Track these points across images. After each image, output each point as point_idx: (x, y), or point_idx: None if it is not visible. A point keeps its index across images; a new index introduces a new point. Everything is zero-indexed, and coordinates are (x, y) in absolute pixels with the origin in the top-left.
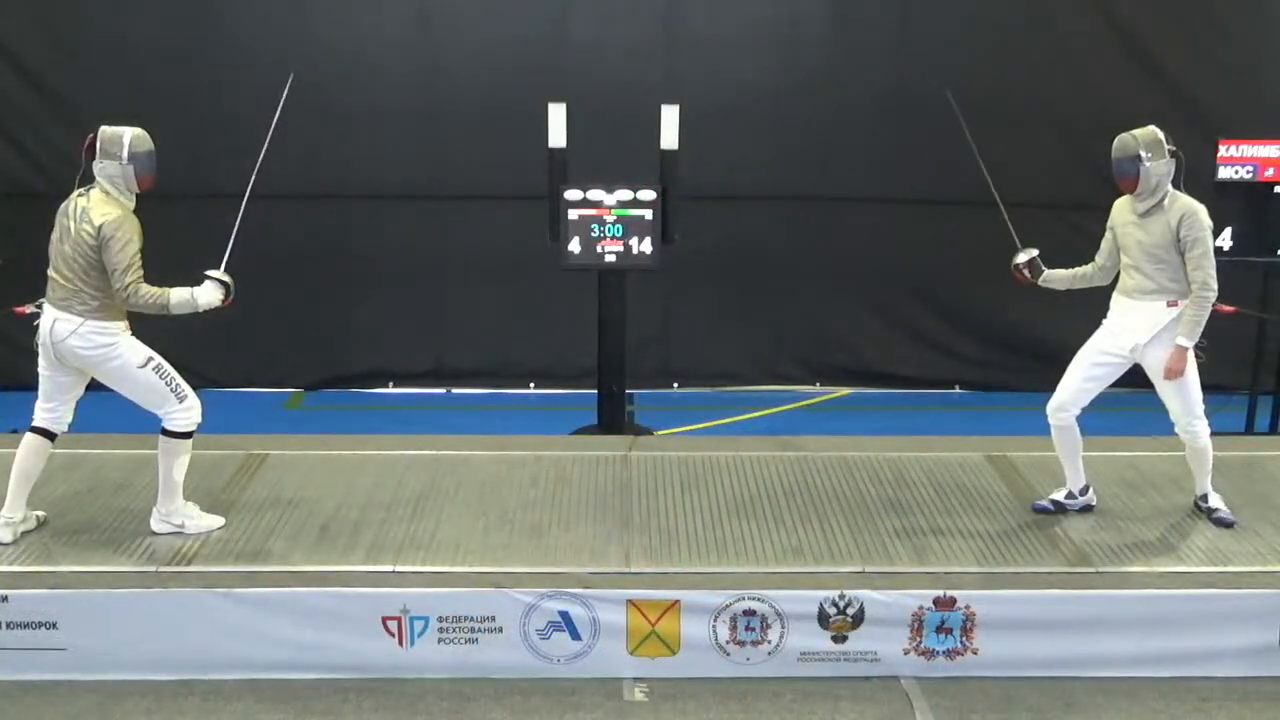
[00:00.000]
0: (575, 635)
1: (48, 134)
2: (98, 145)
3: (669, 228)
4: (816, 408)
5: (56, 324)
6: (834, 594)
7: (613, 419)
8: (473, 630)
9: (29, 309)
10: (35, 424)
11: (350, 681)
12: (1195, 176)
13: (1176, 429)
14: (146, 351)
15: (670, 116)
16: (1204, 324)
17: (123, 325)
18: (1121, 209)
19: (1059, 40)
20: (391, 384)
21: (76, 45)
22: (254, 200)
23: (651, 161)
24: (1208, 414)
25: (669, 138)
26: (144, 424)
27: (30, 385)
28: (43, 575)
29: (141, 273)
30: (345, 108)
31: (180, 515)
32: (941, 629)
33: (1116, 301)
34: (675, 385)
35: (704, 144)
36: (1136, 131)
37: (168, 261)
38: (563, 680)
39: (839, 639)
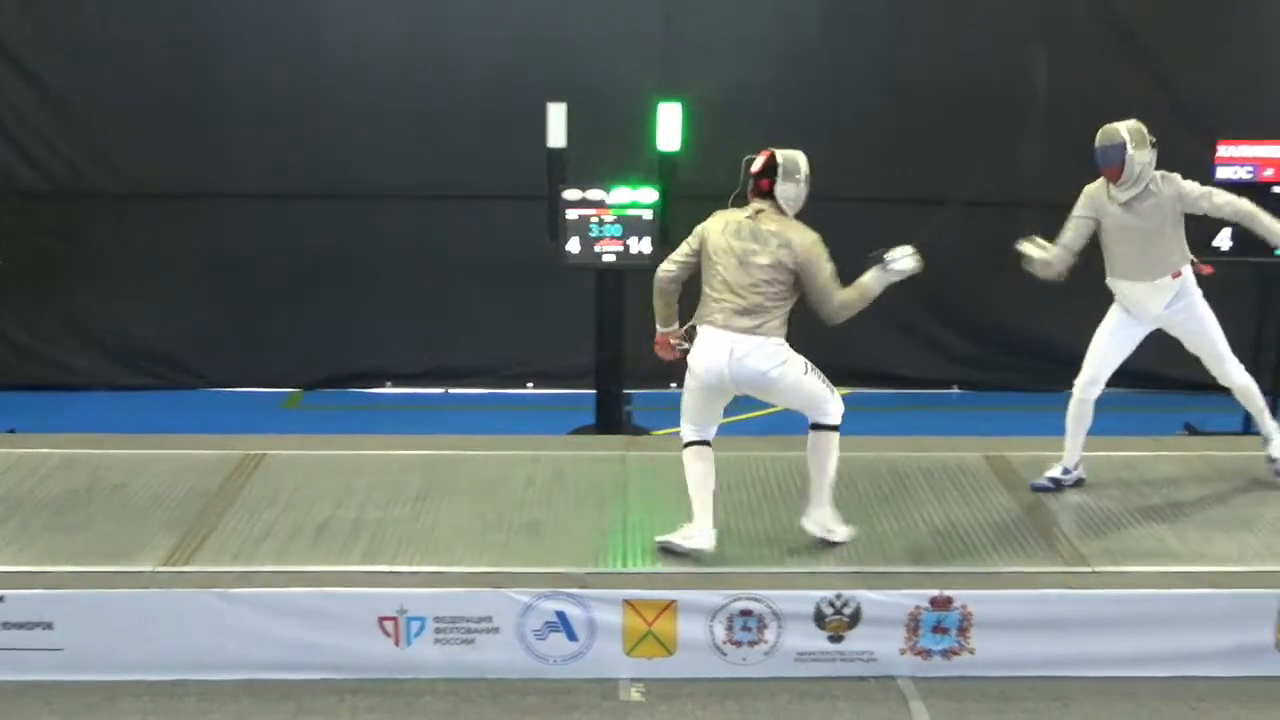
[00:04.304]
0: (572, 636)
1: (46, 133)
2: (779, 167)
3: (668, 227)
4: None
5: (736, 346)
6: (831, 594)
7: (610, 419)
8: (469, 631)
9: (676, 340)
10: (693, 438)
11: (346, 682)
12: (1193, 177)
13: (1217, 379)
14: (801, 357)
15: (669, 115)
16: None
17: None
18: (1099, 200)
19: (1057, 39)
20: (389, 384)
21: (74, 43)
22: (252, 199)
23: (652, 160)
24: (1205, 417)
25: (668, 137)
26: (139, 425)
27: (25, 386)
28: (39, 575)
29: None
30: (343, 107)
31: (833, 520)
32: (938, 629)
33: (1121, 285)
34: (673, 385)
35: (705, 143)
36: (1121, 123)
37: (167, 262)
38: (559, 681)
39: (835, 639)
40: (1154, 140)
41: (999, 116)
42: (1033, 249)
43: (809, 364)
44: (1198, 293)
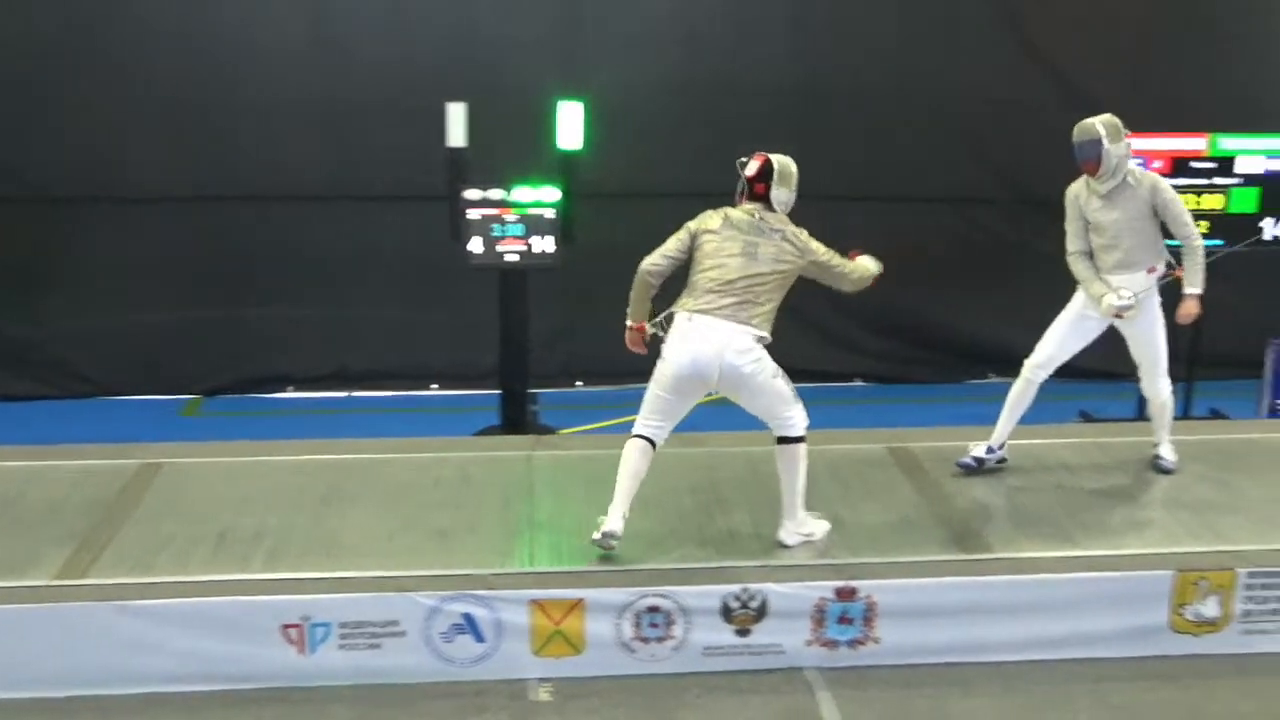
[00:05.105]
0: (479, 638)
1: None
2: (774, 172)
3: (570, 226)
4: (719, 403)
5: (731, 343)
6: (737, 588)
7: (516, 419)
8: (375, 635)
9: (650, 330)
10: (642, 433)
11: (250, 692)
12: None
13: (1142, 387)
14: (772, 361)
15: (570, 114)
16: (1204, 268)
17: None
18: (1082, 196)
19: (953, 35)
20: (292, 388)
21: None
22: (146, 201)
23: (553, 159)
24: (1100, 405)
25: (569, 135)
26: (32, 435)
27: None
28: None
29: None
30: (238, 106)
31: (809, 524)
32: (843, 619)
33: (1103, 278)
34: (578, 384)
35: (606, 141)
36: (1096, 118)
37: (56, 266)
38: (467, 683)
39: (743, 633)
40: (1129, 132)
41: (901, 114)
42: (1121, 299)
43: (779, 370)
44: (1159, 300)
